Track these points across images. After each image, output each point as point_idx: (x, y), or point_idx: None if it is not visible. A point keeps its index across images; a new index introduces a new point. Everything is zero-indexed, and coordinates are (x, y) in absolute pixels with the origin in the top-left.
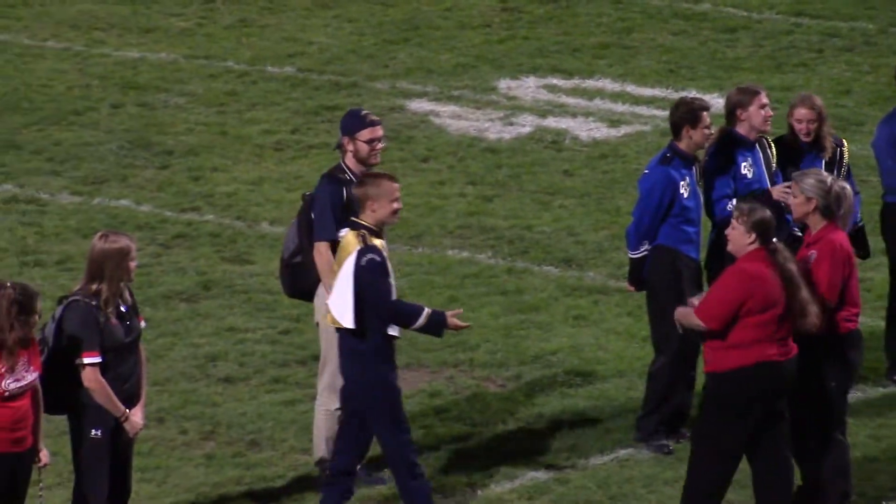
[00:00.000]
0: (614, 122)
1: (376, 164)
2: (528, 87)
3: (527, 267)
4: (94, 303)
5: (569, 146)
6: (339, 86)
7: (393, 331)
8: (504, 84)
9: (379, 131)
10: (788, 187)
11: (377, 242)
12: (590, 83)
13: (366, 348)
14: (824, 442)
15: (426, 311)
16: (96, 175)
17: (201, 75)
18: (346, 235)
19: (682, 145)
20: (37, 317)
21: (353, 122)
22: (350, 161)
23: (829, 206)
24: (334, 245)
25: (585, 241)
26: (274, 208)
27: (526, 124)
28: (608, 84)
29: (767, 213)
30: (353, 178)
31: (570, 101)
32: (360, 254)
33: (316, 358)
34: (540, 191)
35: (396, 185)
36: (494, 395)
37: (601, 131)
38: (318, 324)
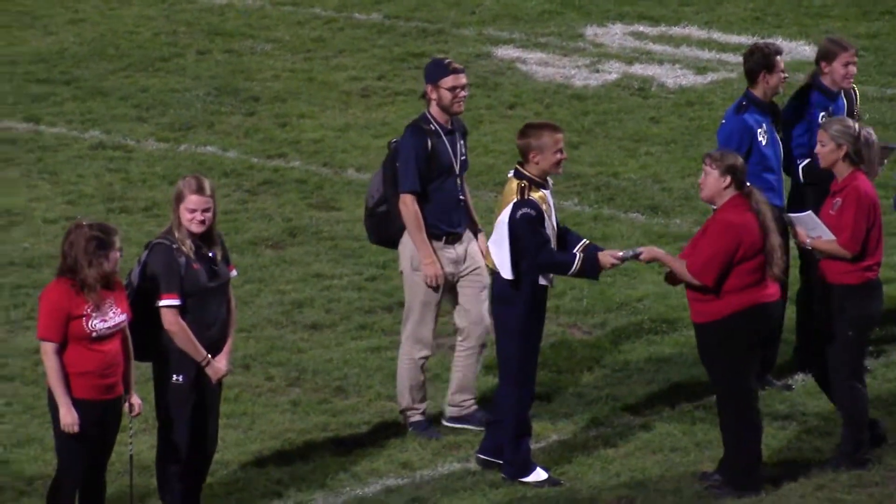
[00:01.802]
0: (701, 69)
1: (460, 112)
2: (615, 34)
3: (613, 214)
4: (175, 245)
5: (655, 93)
6: (426, 32)
7: (544, 280)
8: (591, 31)
9: (462, 79)
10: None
11: (537, 195)
12: (676, 30)
13: (518, 297)
14: (840, 389)
15: (579, 256)
16: (183, 121)
17: (288, 22)
18: (510, 181)
19: (758, 92)
20: (117, 253)
21: (436, 70)
22: (435, 110)
23: (859, 152)
24: (418, 196)
25: (671, 189)
26: (360, 155)
27: (612, 71)
28: (695, 31)
29: (739, 158)
30: (438, 128)
31: (657, 48)
32: (516, 207)
33: (402, 305)
34: (626, 138)
35: (559, 136)
36: (580, 342)
37: (688, 78)
38: (402, 272)
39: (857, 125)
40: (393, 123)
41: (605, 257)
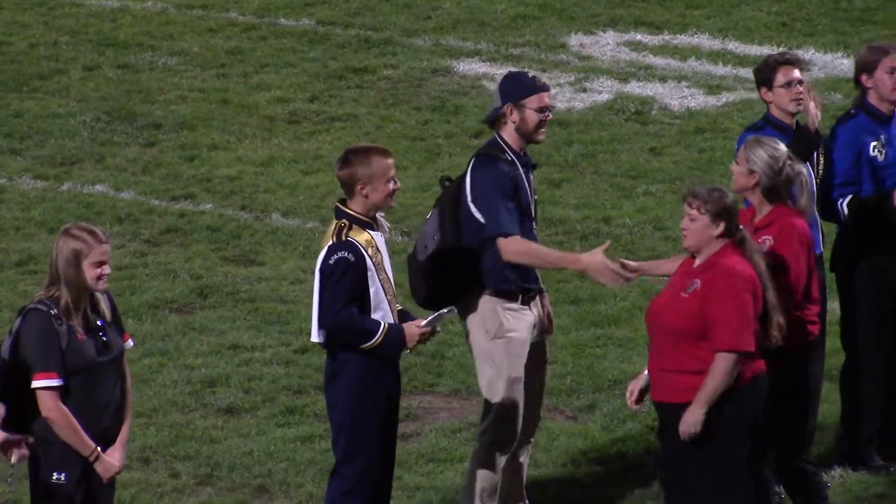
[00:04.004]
0: (713, 87)
1: (541, 142)
2: (606, 44)
3: None
4: (53, 311)
5: (656, 118)
6: (369, 42)
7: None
8: (575, 40)
9: (547, 98)
10: None
11: (361, 238)
12: (683, 39)
13: (345, 370)
14: (787, 473)
15: (384, 327)
16: (66, 154)
17: (197, 29)
18: (329, 223)
19: (776, 113)
20: None
21: (520, 86)
22: (510, 135)
23: (776, 189)
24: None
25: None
26: (287, 195)
27: (603, 90)
28: (705, 41)
29: (730, 196)
30: (515, 158)
31: (658, 61)
32: (330, 251)
33: None
34: (620, 174)
35: (391, 161)
36: (563, 430)
37: (697, 99)
38: (471, 345)
39: (784, 158)
40: (328, 157)
41: (411, 329)
